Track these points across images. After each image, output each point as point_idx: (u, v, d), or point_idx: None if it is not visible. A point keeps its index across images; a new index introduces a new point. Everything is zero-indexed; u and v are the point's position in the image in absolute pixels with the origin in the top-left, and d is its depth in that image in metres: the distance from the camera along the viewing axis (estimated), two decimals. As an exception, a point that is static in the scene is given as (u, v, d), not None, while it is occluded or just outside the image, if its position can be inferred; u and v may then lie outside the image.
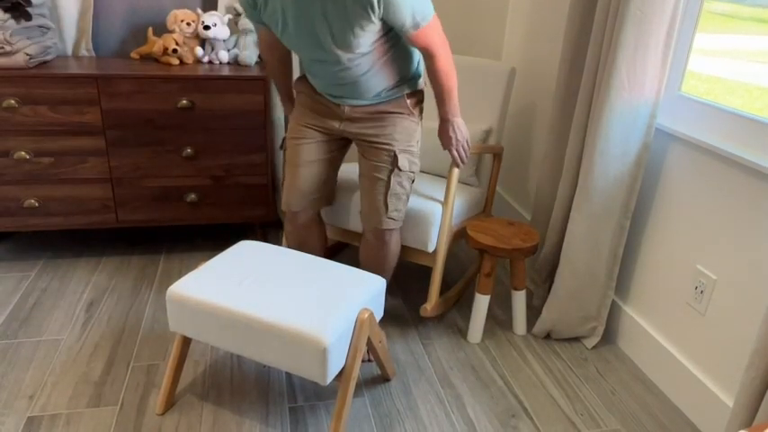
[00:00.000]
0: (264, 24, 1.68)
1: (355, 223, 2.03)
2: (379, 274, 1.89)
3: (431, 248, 1.97)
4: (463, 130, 1.84)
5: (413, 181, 1.85)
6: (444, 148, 1.88)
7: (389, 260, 1.89)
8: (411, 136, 1.81)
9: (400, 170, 1.79)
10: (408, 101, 1.79)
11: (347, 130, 1.81)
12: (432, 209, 1.94)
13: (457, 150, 1.85)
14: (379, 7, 1.47)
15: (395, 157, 1.77)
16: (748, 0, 1.79)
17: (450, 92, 1.75)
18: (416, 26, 1.56)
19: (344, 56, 1.60)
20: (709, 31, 1.79)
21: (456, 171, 1.92)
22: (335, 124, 1.81)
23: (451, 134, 1.82)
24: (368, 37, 1.56)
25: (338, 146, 1.91)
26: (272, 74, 1.95)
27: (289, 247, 1.98)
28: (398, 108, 1.78)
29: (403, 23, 1.54)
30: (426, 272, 2.46)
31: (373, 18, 1.50)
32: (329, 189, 1.95)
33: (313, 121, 1.83)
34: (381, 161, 1.78)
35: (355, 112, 1.78)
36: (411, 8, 1.51)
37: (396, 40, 1.67)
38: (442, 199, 1.98)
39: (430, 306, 1.98)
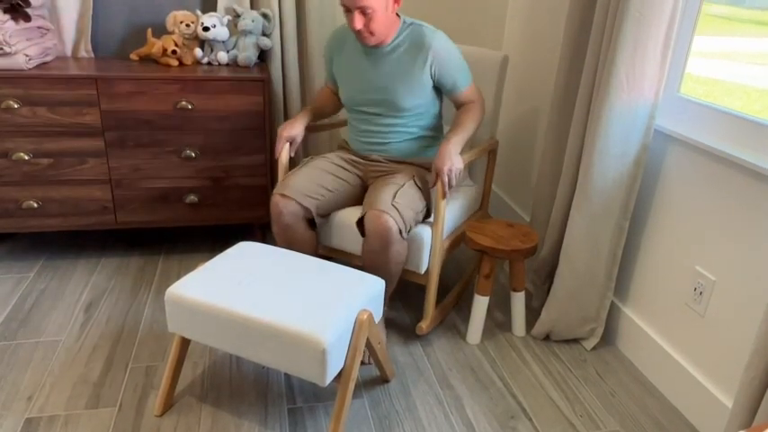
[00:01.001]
0: (333, 80, 2.10)
1: (338, 241, 2.00)
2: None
3: (422, 270, 1.94)
4: (456, 161, 1.81)
5: (421, 212, 1.88)
6: (436, 168, 1.80)
7: (391, 266, 1.82)
8: (424, 182, 1.95)
9: (415, 183, 1.89)
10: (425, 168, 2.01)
11: (368, 167, 2.05)
12: (421, 232, 1.87)
13: (447, 175, 1.78)
14: (432, 72, 1.88)
15: (411, 176, 1.91)
16: (747, 2, 1.80)
17: (466, 130, 1.90)
18: (464, 85, 1.95)
19: (399, 116, 1.96)
20: (707, 34, 1.79)
21: (444, 202, 1.84)
22: (360, 160, 2.06)
23: (449, 156, 1.79)
24: (419, 96, 1.92)
25: (354, 180, 2.03)
26: (316, 103, 2.16)
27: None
28: (418, 162, 2.03)
29: (454, 83, 1.92)
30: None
31: (429, 75, 1.89)
32: (324, 201, 1.92)
33: (344, 154, 2.10)
34: (395, 179, 1.89)
35: (379, 157, 2.04)
36: (460, 69, 1.92)
37: (432, 118, 2.02)
38: (432, 219, 1.92)
39: (425, 324, 1.98)
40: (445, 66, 1.88)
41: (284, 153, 2.01)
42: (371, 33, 1.79)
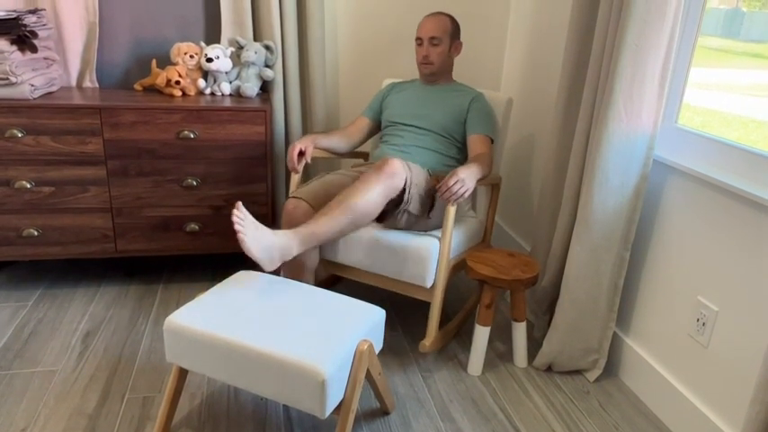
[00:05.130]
0: (370, 118, 2.39)
1: (345, 255, 2.02)
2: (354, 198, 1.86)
3: (428, 284, 1.94)
4: (470, 180, 1.90)
5: (424, 196, 1.98)
6: (452, 172, 1.89)
7: (370, 196, 1.84)
8: (432, 187, 2.01)
9: (427, 171, 2.09)
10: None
11: None
12: (429, 244, 1.91)
13: (455, 185, 1.85)
14: (467, 110, 2.22)
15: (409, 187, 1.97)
16: (741, 35, 1.83)
17: (481, 168, 2.00)
18: (482, 132, 2.17)
19: (430, 131, 2.21)
20: (704, 66, 1.82)
21: (453, 208, 1.90)
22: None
23: (467, 171, 1.91)
24: (452, 120, 2.22)
25: None
26: (339, 131, 2.34)
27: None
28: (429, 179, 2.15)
29: (476, 123, 2.18)
30: (426, 303, 2.44)
31: (465, 110, 2.22)
32: None
33: (359, 168, 2.25)
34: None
35: None
36: (486, 120, 2.20)
37: (454, 147, 2.25)
38: (440, 234, 1.97)
39: (429, 342, 1.96)
40: (478, 109, 2.21)
41: (298, 162, 2.09)
42: (432, 63, 2.21)
